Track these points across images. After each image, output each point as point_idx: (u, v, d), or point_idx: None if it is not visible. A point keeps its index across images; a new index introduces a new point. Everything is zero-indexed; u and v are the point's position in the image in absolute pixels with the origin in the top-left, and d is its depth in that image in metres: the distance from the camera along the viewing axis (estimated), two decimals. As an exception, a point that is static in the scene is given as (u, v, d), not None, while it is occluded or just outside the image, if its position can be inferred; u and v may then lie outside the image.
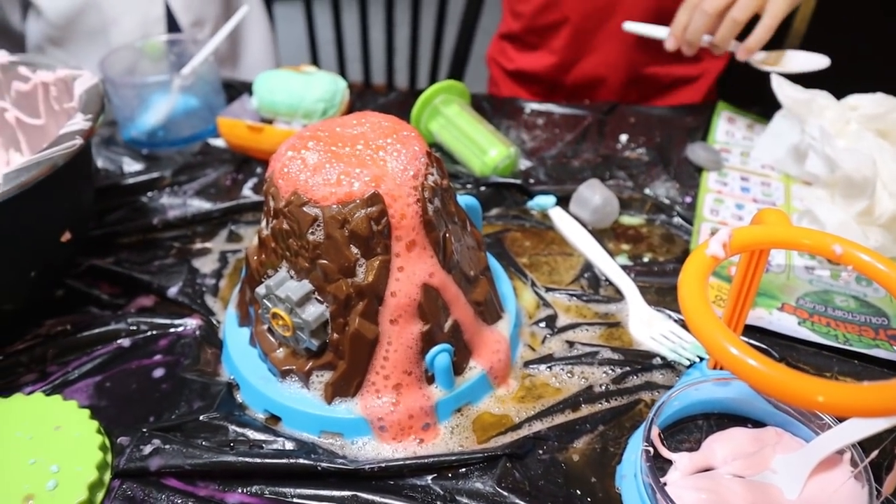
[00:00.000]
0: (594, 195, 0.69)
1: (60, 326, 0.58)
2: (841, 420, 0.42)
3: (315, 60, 1.52)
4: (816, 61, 0.76)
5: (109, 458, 0.48)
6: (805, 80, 0.76)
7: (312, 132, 0.49)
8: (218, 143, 0.84)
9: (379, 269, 0.45)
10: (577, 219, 0.70)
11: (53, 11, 1.04)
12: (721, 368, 0.50)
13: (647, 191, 0.75)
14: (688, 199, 0.74)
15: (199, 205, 0.73)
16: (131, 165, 0.80)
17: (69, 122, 0.54)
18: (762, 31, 0.74)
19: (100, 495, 0.46)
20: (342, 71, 1.51)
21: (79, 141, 0.52)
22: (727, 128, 0.86)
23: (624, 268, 0.64)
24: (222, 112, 0.81)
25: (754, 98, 0.95)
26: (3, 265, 0.52)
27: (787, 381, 0.30)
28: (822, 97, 0.73)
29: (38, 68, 0.64)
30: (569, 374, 0.54)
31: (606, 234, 0.69)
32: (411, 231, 0.46)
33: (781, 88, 0.75)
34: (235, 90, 0.95)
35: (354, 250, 0.45)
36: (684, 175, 0.78)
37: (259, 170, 0.80)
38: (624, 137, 0.85)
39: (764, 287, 0.60)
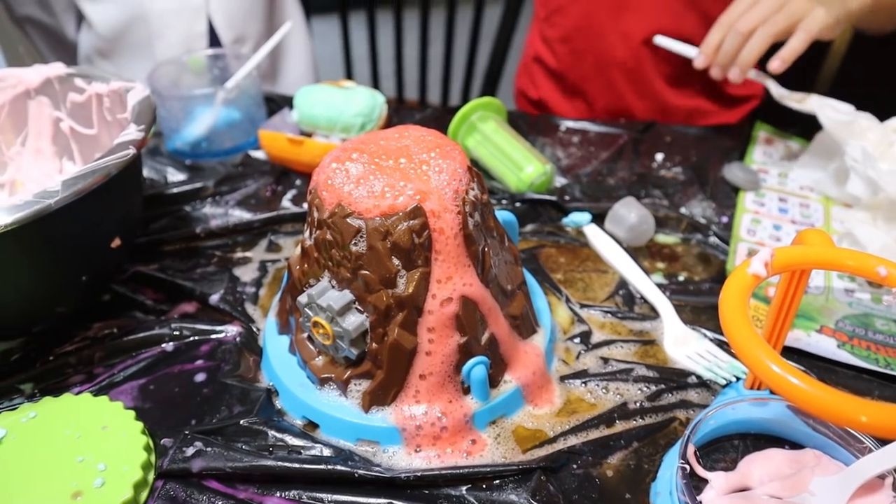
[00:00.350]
0: (630, 213, 0.69)
1: (107, 330, 0.60)
2: (883, 443, 0.42)
3: (349, 75, 1.54)
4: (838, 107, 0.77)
5: (153, 458, 0.49)
6: (849, 102, 0.76)
7: (356, 145, 0.50)
8: (258, 154, 0.86)
9: (419, 280, 0.46)
10: (612, 236, 0.70)
11: (103, 24, 1.08)
12: (759, 388, 0.50)
13: (682, 210, 0.75)
14: (724, 219, 0.74)
15: (240, 215, 0.75)
16: (175, 175, 0.83)
17: (123, 132, 0.56)
18: (797, 42, 0.74)
19: (144, 494, 0.47)
20: (376, 86, 1.53)
21: (132, 151, 0.54)
22: (765, 148, 0.86)
23: (659, 286, 0.64)
24: (263, 125, 0.83)
25: (792, 119, 0.95)
26: (58, 268, 0.54)
27: (830, 400, 0.31)
28: (864, 119, 0.73)
29: (93, 80, 0.67)
30: (603, 390, 0.54)
31: (641, 253, 0.69)
32: (452, 244, 0.46)
33: (823, 110, 0.75)
34: (276, 104, 0.97)
35: (396, 262, 0.46)
36: (720, 195, 0.78)
37: (298, 182, 0.81)
38: (660, 156, 0.86)
39: (802, 309, 0.60)
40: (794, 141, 0.88)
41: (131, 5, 1.06)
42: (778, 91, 0.80)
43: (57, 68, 0.69)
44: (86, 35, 1.13)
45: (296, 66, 1.27)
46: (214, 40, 1.13)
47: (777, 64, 0.76)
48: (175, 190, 0.78)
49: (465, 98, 1.54)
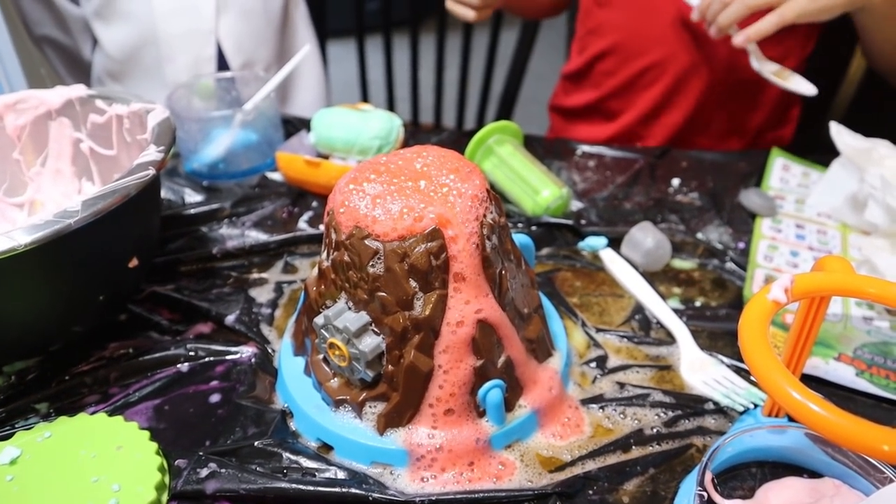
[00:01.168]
0: (647, 237, 0.69)
1: (123, 350, 0.60)
2: (903, 473, 0.41)
3: (365, 98, 1.56)
4: (806, 88, 0.83)
5: (167, 479, 0.49)
6: (864, 129, 0.76)
7: (374, 165, 0.50)
8: (275, 176, 0.87)
9: (436, 303, 0.46)
10: (628, 261, 0.70)
11: (114, 46, 1.10)
12: (777, 415, 0.49)
13: (699, 235, 0.75)
14: (741, 245, 0.73)
15: (257, 236, 0.75)
16: (192, 196, 0.83)
17: (143, 153, 0.56)
18: (766, 24, 0.76)
19: (157, 516, 0.47)
20: (391, 109, 1.55)
21: (151, 171, 0.55)
22: (782, 175, 0.86)
23: (675, 311, 0.63)
24: (281, 147, 0.84)
25: (809, 146, 0.95)
26: (76, 288, 0.54)
27: (852, 428, 0.30)
28: (882, 146, 0.73)
29: (113, 102, 0.68)
30: (620, 416, 0.54)
31: (658, 278, 0.69)
32: (469, 267, 0.46)
33: (840, 136, 0.75)
34: (293, 126, 0.98)
35: (413, 284, 0.46)
36: (737, 220, 0.78)
37: (315, 204, 0.82)
38: (676, 181, 0.86)
39: (820, 336, 0.59)
40: (810, 167, 0.87)
41: (141, 28, 1.08)
42: (758, 63, 0.84)
43: (78, 90, 0.70)
44: (98, 56, 1.15)
45: (308, 90, 1.29)
46: (223, 65, 1.15)
47: (741, 39, 0.79)
48: (192, 211, 0.79)
49: (481, 122, 1.55)
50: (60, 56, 1.21)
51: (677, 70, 1.00)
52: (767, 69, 0.84)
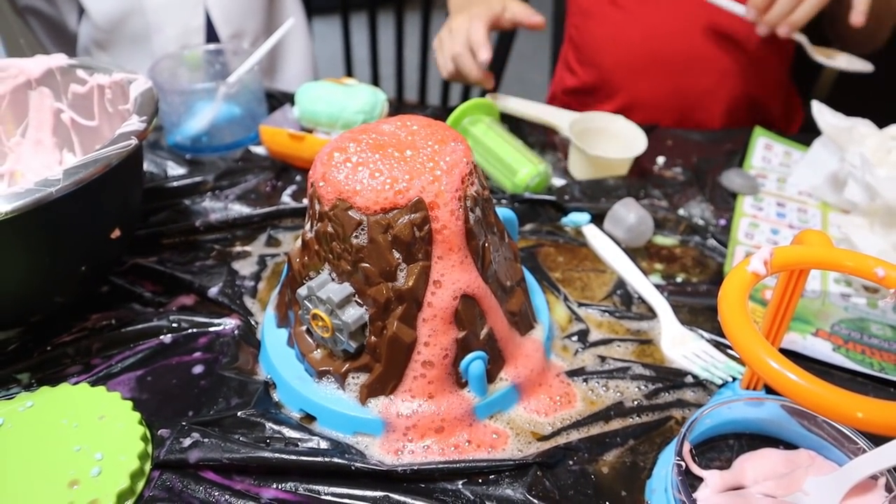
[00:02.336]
0: (629, 213, 0.69)
1: (105, 321, 0.60)
2: (876, 444, 0.42)
3: (350, 76, 1.54)
4: (861, 65, 0.84)
5: (150, 449, 0.49)
6: (846, 108, 0.77)
7: (357, 135, 0.50)
8: (259, 150, 0.86)
9: (419, 274, 0.46)
10: (611, 237, 0.70)
11: (99, 14, 1.08)
12: (755, 388, 0.50)
13: (681, 211, 0.76)
14: (722, 222, 0.74)
15: (240, 209, 0.75)
16: (175, 169, 0.83)
17: (125, 123, 0.56)
18: (807, 9, 0.77)
19: (140, 484, 0.47)
20: (376, 87, 1.54)
21: (133, 141, 0.54)
22: (764, 154, 0.86)
23: (657, 287, 0.64)
24: (264, 121, 0.83)
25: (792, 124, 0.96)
26: (58, 258, 0.54)
27: (827, 396, 0.31)
28: (863, 125, 0.73)
29: (95, 72, 0.67)
30: (603, 388, 0.54)
31: (640, 254, 0.70)
32: (452, 239, 0.47)
33: (822, 116, 0.75)
34: (277, 100, 0.97)
35: (396, 255, 0.46)
36: (719, 198, 0.78)
37: (298, 178, 0.81)
38: (661, 159, 0.86)
39: (798, 312, 0.60)
40: (792, 146, 0.88)
41: None
42: (809, 47, 0.84)
43: (59, 59, 0.69)
44: (85, 26, 1.13)
45: (295, 64, 1.27)
46: (212, 36, 1.13)
47: (785, 30, 0.80)
48: (175, 184, 0.78)
49: (465, 98, 1.55)
50: (45, 26, 1.19)
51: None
52: (819, 56, 0.85)
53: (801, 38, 0.84)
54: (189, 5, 1.09)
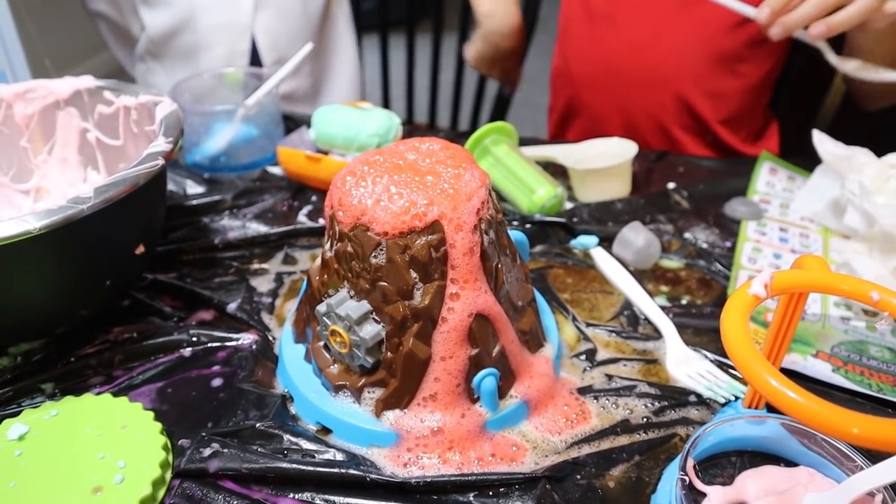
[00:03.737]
0: (638, 237, 0.71)
1: (127, 334, 0.62)
2: (874, 462, 0.44)
3: (361, 97, 1.57)
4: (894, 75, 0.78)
5: (171, 458, 0.51)
6: (845, 138, 0.79)
7: (374, 157, 0.52)
8: (275, 170, 0.89)
9: (435, 293, 0.48)
10: (619, 259, 0.72)
11: (155, 29, 1.15)
12: (757, 407, 0.52)
13: (686, 236, 0.78)
14: (727, 244, 0.76)
15: (257, 228, 0.77)
16: (194, 188, 0.85)
17: (152, 143, 0.58)
18: (846, 16, 0.71)
19: (161, 492, 0.48)
20: (386, 108, 1.57)
21: (160, 161, 0.56)
22: (768, 178, 0.88)
23: (662, 308, 0.66)
24: (282, 142, 0.86)
25: (795, 150, 0.97)
26: (85, 273, 0.56)
27: (824, 412, 0.33)
28: (862, 154, 0.75)
29: (121, 93, 0.69)
30: (612, 406, 0.56)
31: (646, 276, 0.71)
32: (467, 259, 0.49)
33: (823, 144, 0.77)
34: (294, 122, 1.00)
35: (413, 275, 0.48)
36: (724, 222, 0.80)
37: (314, 198, 0.84)
38: (671, 185, 0.88)
39: (799, 334, 0.62)
40: (796, 172, 0.90)
41: (182, 16, 1.13)
42: (833, 56, 0.79)
43: (87, 81, 0.71)
44: (143, 36, 1.20)
45: (341, 88, 1.32)
46: (257, 60, 1.19)
47: (820, 29, 0.73)
48: (194, 202, 0.81)
49: (475, 123, 1.57)
50: (112, 30, 1.27)
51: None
52: (849, 66, 0.80)
53: (823, 46, 0.79)
54: (237, 29, 1.15)
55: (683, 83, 1.01)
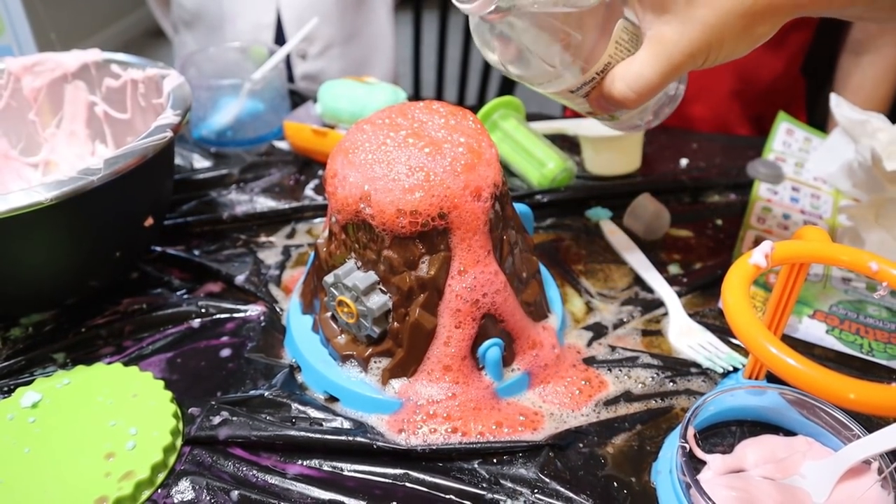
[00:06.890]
0: (647, 208, 0.72)
1: (137, 305, 0.63)
2: (870, 431, 0.44)
3: (394, 80, 1.57)
4: None
5: (181, 425, 0.52)
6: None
7: (378, 120, 0.52)
8: (282, 145, 0.89)
9: (441, 264, 0.49)
10: (629, 230, 0.73)
11: None
12: (757, 378, 0.53)
13: (700, 200, 0.78)
14: (736, 198, 0.77)
15: (265, 202, 0.78)
16: (201, 162, 0.86)
17: (161, 116, 0.59)
18: None
19: (172, 458, 0.49)
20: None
21: (169, 134, 0.57)
22: (785, 138, 0.89)
23: (675, 276, 0.67)
24: (288, 116, 0.86)
25: (813, 111, 0.98)
26: (95, 244, 0.57)
27: (822, 378, 0.33)
28: (876, 119, 0.75)
29: (129, 67, 0.70)
30: (615, 377, 0.57)
31: (658, 245, 0.72)
32: (472, 230, 0.49)
33: (839, 108, 0.77)
34: (299, 97, 1.00)
35: (420, 246, 0.49)
36: (740, 188, 0.81)
37: (320, 172, 0.84)
38: (684, 161, 0.88)
39: (800, 294, 0.62)
40: (813, 133, 0.90)
41: None
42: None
43: (94, 54, 0.72)
44: (176, 4, 1.22)
45: (380, 65, 1.32)
46: (282, 36, 1.19)
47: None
48: (202, 176, 0.81)
49: (482, 98, 1.57)
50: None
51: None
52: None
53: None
54: (262, 2, 1.14)
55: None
